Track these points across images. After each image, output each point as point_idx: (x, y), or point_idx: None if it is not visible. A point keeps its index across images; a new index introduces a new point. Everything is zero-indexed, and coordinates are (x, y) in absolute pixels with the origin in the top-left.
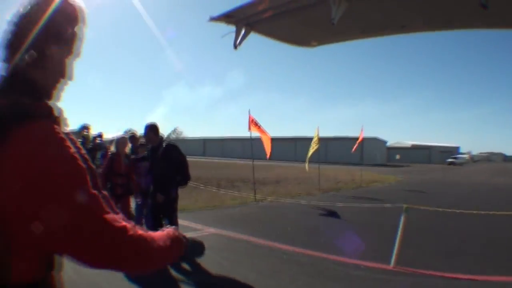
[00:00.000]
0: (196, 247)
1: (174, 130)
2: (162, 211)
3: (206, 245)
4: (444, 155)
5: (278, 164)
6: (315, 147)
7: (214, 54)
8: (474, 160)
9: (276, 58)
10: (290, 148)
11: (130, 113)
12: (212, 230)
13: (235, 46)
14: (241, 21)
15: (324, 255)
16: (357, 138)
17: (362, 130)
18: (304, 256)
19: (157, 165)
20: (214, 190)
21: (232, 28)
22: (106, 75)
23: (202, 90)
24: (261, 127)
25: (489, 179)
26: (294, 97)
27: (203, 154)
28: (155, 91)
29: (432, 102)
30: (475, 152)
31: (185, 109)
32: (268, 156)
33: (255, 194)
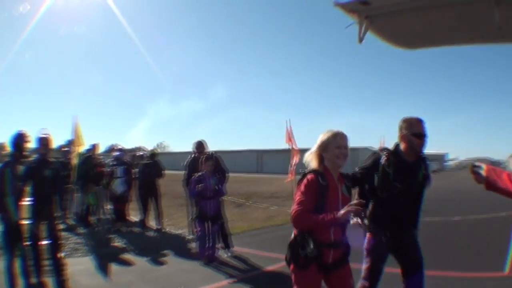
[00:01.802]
0: None
1: (160, 144)
2: None
3: None
4: (434, 162)
5: (271, 176)
6: None
7: (196, 67)
8: (462, 166)
9: (257, 73)
10: (283, 160)
11: (107, 127)
12: None
13: (360, 40)
14: (363, 12)
15: (445, 273)
16: (350, 148)
17: (383, 140)
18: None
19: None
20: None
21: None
22: (78, 87)
23: (184, 104)
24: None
25: None
26: (276, 110)
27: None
28: (135, 105)
29: (414, 109)
30: (462, 157)
31: (168, 123)
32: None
33: None
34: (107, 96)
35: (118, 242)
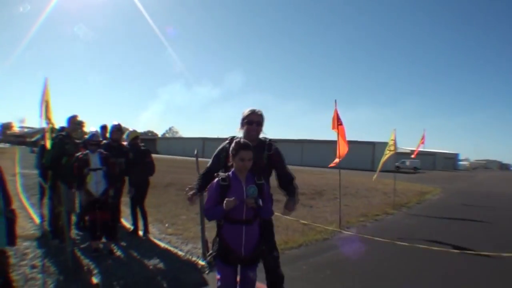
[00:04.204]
0: None
1: (170, 129)
2: None
3: None
4: (448, 161)
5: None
6: (390, 153)
7: (213, 53)
8: (473, 167)
9: (274, 60)
10: (297, 151)
11: (119, 109)
12: None
13: None
14: None
15: None
16: (367, 142)
17: (424, 134)
18: None
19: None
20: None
21: None
22: (98, 70)
23: (198, 90)
24: (343, 127)
25: None
26: (291, 99)
27: (202, 154)
28: (149, 88)
29: (426, 108)
30: (472, 158)
31: (179, 108)
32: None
33: (340, 220)
34: (119, 78)
35: (91, 272)
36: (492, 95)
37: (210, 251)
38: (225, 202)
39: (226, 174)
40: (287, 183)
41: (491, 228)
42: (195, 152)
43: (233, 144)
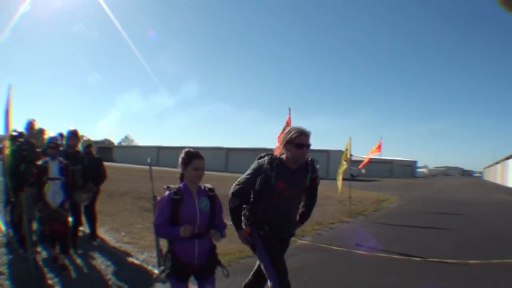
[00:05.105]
0: None
1: (126, 138)
2: None
3: None
4: (405, 169)
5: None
6: (346, 162)
7: (169, 62)
8: (432, 174)
9: (230, 70)
10: (250, 159)
11: (76, 117)
12: None
13: None
14: None
15: None
16: (321, 151)
17: (380, 142)
18: None
19: None
20: None
21: None
22: (55, 77)
23: (154, 98)
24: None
25: (490, 195)
26: (245, 108)
27: (157, 163)
28: (106, 96)
29: (383, 117)
30: (430, 166)
31: (135, 117)
32: None
33: None
34: (75, 84)
35: (52, 281)
36: (452, 103)
37: (163, 267)
38: (182, 229)
39: (177, 186)
40: (311, 201)
41: (453, 235)
42: (148, 160)
43: (182, 154)
